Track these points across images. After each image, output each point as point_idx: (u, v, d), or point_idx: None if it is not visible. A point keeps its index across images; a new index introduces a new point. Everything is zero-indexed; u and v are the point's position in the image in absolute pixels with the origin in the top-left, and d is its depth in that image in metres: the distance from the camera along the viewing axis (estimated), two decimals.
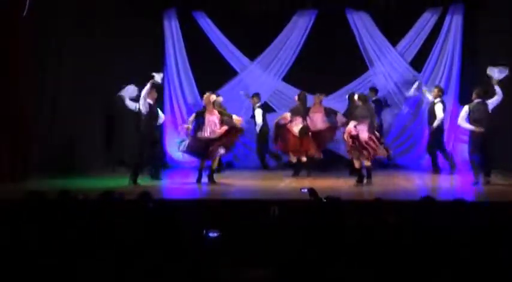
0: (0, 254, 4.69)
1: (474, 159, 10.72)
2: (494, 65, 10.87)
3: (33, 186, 9.76)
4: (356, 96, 11.17)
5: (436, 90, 12.29)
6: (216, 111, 11.20)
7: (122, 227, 5.30)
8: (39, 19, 11.50)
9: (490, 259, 4.50)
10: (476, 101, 10.74)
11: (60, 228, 5.17)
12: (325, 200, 6.52)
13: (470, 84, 13.17)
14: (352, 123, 10.72)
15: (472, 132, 10.71)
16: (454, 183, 11.59)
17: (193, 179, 11.28)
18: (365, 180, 10.74)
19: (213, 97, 11.34)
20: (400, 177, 11.99)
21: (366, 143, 10.60)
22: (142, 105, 10.99)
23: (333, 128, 12.26)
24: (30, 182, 10.88)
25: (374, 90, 13.17)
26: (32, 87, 11.64)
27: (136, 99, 11.14)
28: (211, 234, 5.50)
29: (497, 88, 10.70)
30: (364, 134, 10.59)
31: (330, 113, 12.37)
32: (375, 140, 10.68)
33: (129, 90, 11.23)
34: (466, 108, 10.83)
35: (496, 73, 10.75)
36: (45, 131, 12.19)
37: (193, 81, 14.19)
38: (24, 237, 4.95)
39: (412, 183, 11.48)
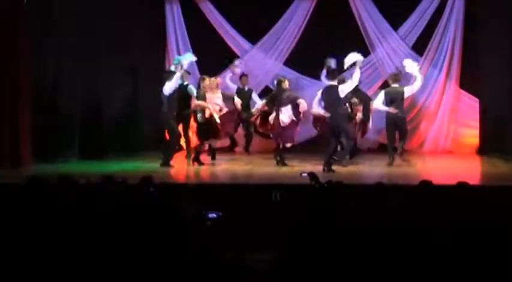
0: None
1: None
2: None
3: (33, 171, 9.78)
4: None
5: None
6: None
7: (123, 211, 5.30)
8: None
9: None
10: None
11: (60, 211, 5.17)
12: (326, 185, 6.47)
13: (472, 67, 13.22)
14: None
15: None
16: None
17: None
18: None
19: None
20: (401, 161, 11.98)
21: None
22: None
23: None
24: (31, 167, 10.91)
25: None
26: (32, 81, 11.62)
27: None
28: (210, 215, 5.51)
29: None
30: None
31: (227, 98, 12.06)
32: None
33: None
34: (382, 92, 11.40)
35: (332, 63, 11.69)
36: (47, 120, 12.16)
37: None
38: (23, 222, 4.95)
39: (413, 167, 11.47)
